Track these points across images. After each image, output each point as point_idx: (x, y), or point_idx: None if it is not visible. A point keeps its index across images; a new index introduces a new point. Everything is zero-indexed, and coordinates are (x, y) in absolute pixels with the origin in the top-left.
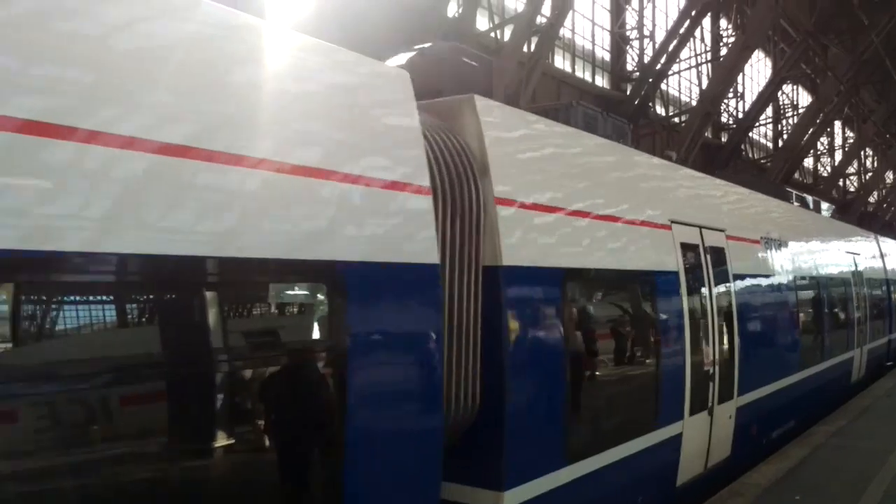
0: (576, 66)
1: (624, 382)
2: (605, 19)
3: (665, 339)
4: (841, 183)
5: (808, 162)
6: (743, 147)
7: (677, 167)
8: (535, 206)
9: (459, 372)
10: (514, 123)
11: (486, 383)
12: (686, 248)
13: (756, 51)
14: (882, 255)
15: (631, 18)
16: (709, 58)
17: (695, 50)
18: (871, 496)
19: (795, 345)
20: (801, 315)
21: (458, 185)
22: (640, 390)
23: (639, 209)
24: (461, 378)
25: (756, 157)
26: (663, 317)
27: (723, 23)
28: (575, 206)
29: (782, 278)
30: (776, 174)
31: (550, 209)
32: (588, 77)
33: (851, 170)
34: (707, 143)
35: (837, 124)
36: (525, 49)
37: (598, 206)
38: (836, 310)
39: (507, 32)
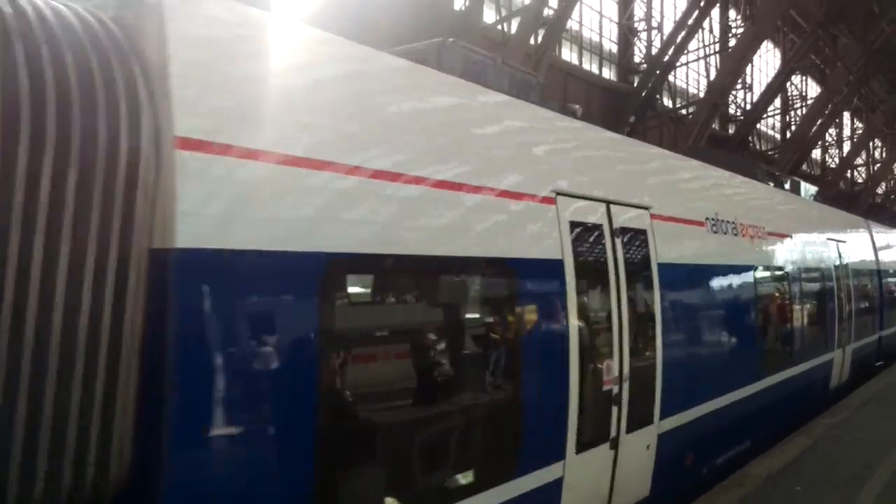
0: (583, 59)
1: (448, 422)
2: (612, 11)
3: (529, 355)
4: (849, 174)
5: (817, 153)
6: (751, 139)
7: (584, 126)
8: (264, 156)
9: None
10: (241, 25)
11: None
12: (579, 228)
13: (765, 41)
14: (873, 244)
15: (639, 10)
16: (717, 49)
17: (703, 41)
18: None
19: (751, 351)
20: (762, 314)
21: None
22: (480, 429)
23: (497, 174)
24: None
25: (764, 148)
26: (528, 323)
27: (731, 13)
28: (368, 161)
29: (737, 270)
30: (784, 165)
31: (304, 163)
32: (595, 69)
33: (860, 161)
34: (714, 135)
35: (846, 115)
36: (532, 41)
37: (419, 166)
38: (810, 306)
39: (515, 25)
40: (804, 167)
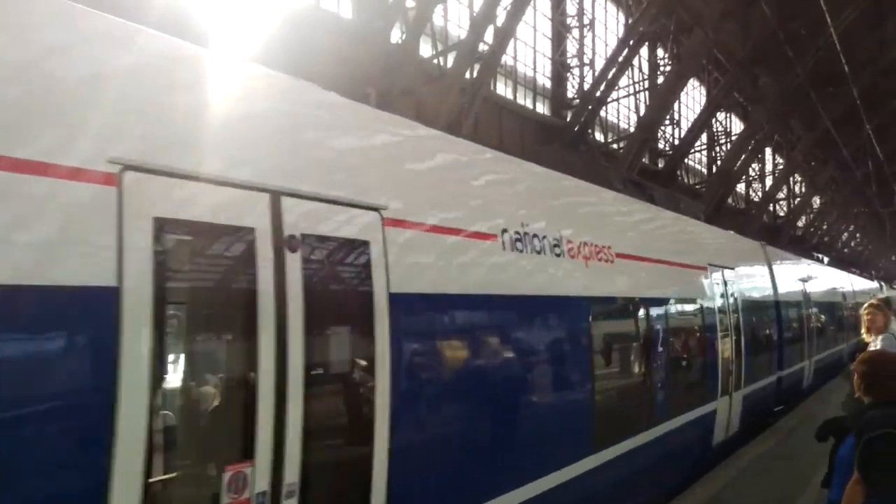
0: (517, 93)
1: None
2: (546, 47)
3: None
4: (772, 208)
5: (741, 187)
6: (679, 173)
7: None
8: None
9: None
10: None
11: None
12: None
13: (691, 79)
14: (771, 272)
15: (571, 47)
16: (646, 86)
17: (633, 78)
18: None
19: (576, 415)
20: (598, 363)
21: None
22: None
23: None
24: None
25: (691, 182)
26: None
27: (660, 52)
28: None
29: (559, 304)
30: (711, 199)
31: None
32: (529, 104)
33: (781, 195)
34: (644, 169)
35: (768, 151)
36: (467, 76)
37: None
38: (680, 347)
39: (451, 59)
40: (730, 201)
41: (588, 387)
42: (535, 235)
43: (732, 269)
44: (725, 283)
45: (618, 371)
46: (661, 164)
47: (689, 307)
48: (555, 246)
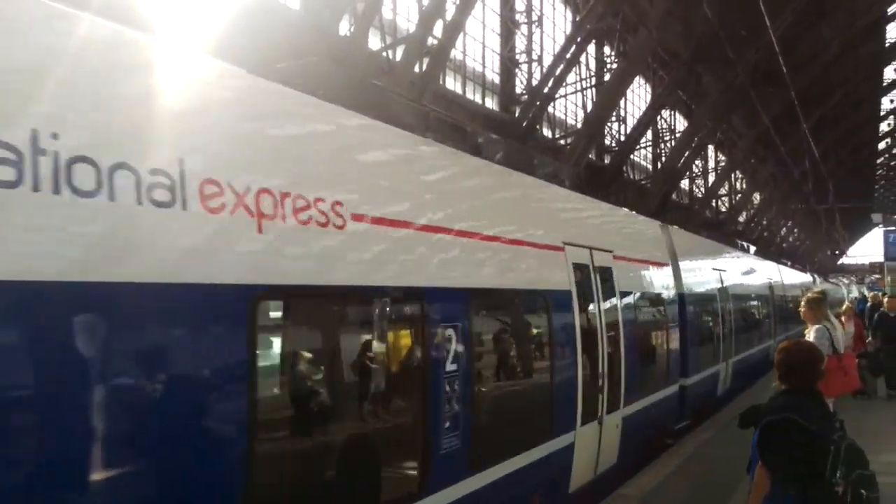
0: (466, 88)
1: None
2: (495, 42)
3: None
4: (714, 204)
5: (685, 184)
6: (625, 169)
7: None
8: None
9: None
10: None
11: None
12: None
13: (637, 77)
14: (674, 259)
15: (520, 42)
16: (593, 83)
17: (580, 75)
18: None
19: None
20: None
21: None
22: None
23: None
24: None
25: (637, 178)
26: None
27: (606, 49)
28: None
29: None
30: (656, 194)
31: None
32: (478, 99)
33: (723, 191)
34: (591, 165)
35: (711, 148)
36: (416, 69)
37: None
38: (500, 365)
39: (399, 52)
40: (674, 196)
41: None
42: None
43: (608, 252)
44: (595, 271)
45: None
46: (607, 160)
47: (521, 302)
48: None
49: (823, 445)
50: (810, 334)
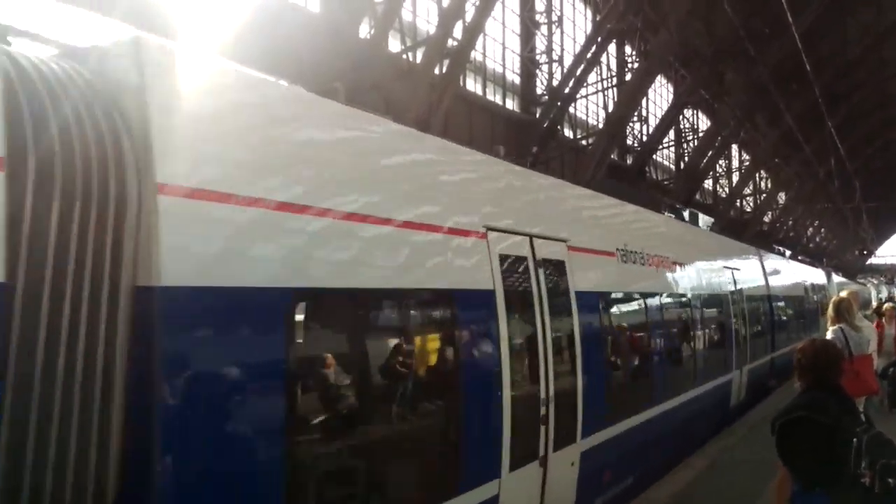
0: (487, 89)
1: None
2: (515, 43)
3: None
4: (738, 203)
5: (709, 183)
6: (647, 169)
7: None
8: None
9: None
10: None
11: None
12: None
13: (658, 76)
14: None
15: (540, 43)
16: (615, 83)
17: (601, 75)
18: None
19: None
20: None
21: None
22: None
23: None
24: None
25: (659, 178)
26: None
27: (627, 49)
28: None
29: None
30: (678, 195)
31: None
32: (499, 100)
33: (748, 191)
34: (613, 165)
35: (735, 147)
36: (437, 71)
37: None
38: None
39: (420, 55)
40: (697, 197)
41: None
42: None
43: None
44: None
45: None
46: (629, 160)
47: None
48: None
49: (845, 439)
50: (827, 335)
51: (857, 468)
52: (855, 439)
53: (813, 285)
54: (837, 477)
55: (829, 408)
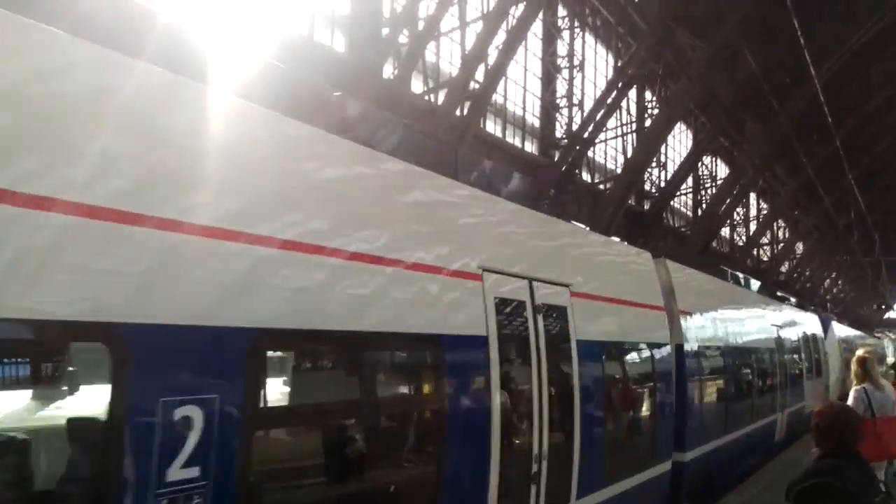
0: (506, 132)
1: None
2: (536, 87)
3: None
4: (755, 252)
5: (726, 231)
6: (665, 215)
7: None
8: None
9: None
10: None
11: None
12: None
13: (678, 123)
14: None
15: (561, 87)
16: (634, 128)
17: (621, 120)
18: None
19: None
20: None
21: None
22: None
23: None
24: None
25: (677, 224)
26: None
27: (648, 95)
28: None
29: None
30: (696, 242)
31: None
32: (518, 142)
33: (765, 240)
34: (630, 210)
35: (753, 196)
36: (458, 112)
37: None
38: None
39: (441, 96)
40: (714, 244)
41: None
42: None
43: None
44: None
45: None
46: (647, 206)
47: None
48: None
49: None
50: (850, 395)
51: None
52: None
53: (801, 336)
54: None
55: (848, 475)
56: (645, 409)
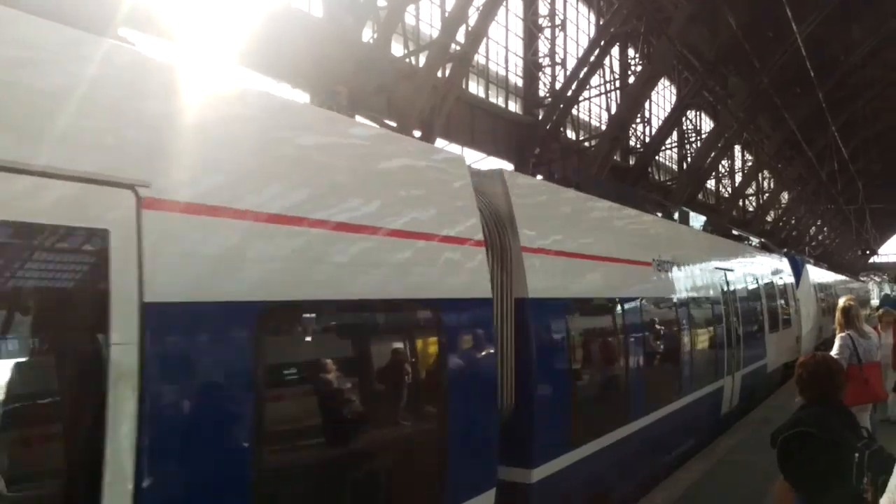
0: (489, 92)
1: None
2: (518, 46)
3: None
4: (741, 203)
5: (711, 184)
6: (650, 169)
7: None
8: None
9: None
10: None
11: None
12: None
13: (661, 79)
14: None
15: (543, 46)
16: (617, 85)
17: (604, 77)
18: None
19: None
20: None
21: None
22: None
23: None
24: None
25: (662, 178)
26: None
27: (630, 52)
28: None
29: None
30: (681, 195)
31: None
32: (501, 102)
33: (751, 191)
34: (616, 166)
35: (737, 148)
36: (439, 74)
37: None
38: None
39: (423, 58)
40: (700, 196)
41: None
42: None
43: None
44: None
45: None
46: (632, 161)
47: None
48: None
49: (847, 454)
50: (835, 343)
51: (858, 484)
52: (856, 454)
53: (764, 284)
54: (839, 492)
55: (831, 423)
56: (422, 410)
